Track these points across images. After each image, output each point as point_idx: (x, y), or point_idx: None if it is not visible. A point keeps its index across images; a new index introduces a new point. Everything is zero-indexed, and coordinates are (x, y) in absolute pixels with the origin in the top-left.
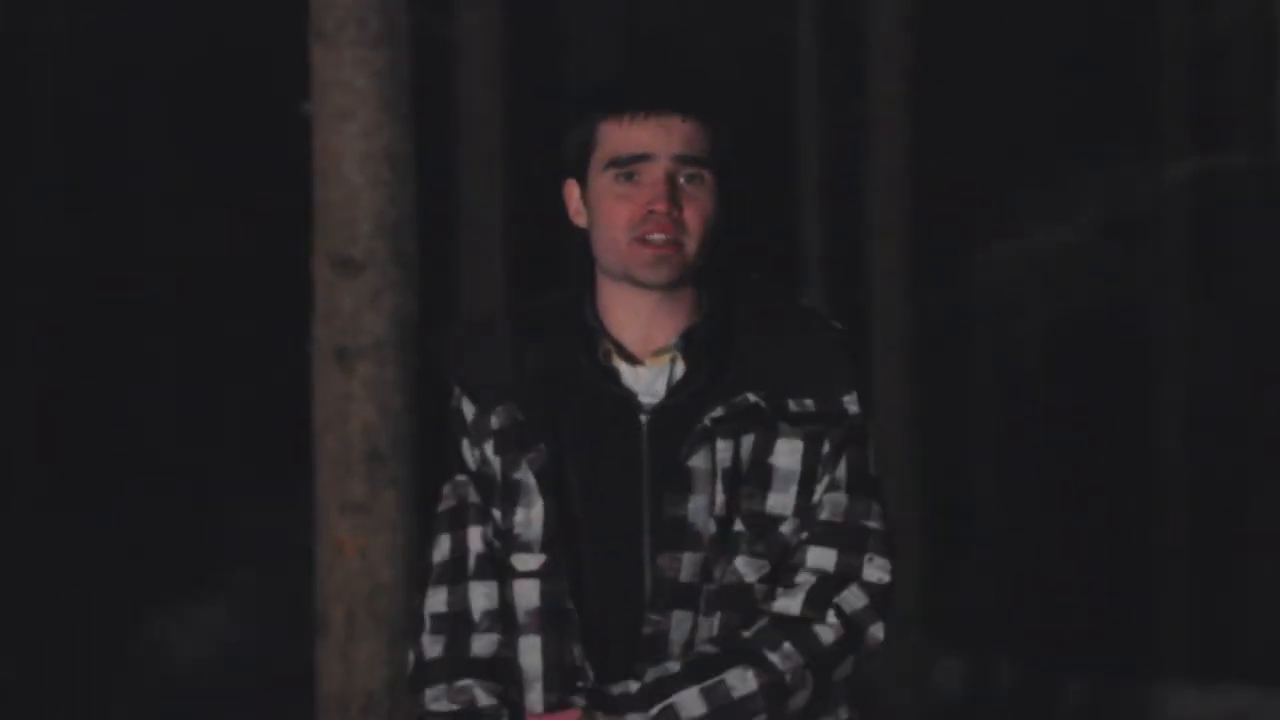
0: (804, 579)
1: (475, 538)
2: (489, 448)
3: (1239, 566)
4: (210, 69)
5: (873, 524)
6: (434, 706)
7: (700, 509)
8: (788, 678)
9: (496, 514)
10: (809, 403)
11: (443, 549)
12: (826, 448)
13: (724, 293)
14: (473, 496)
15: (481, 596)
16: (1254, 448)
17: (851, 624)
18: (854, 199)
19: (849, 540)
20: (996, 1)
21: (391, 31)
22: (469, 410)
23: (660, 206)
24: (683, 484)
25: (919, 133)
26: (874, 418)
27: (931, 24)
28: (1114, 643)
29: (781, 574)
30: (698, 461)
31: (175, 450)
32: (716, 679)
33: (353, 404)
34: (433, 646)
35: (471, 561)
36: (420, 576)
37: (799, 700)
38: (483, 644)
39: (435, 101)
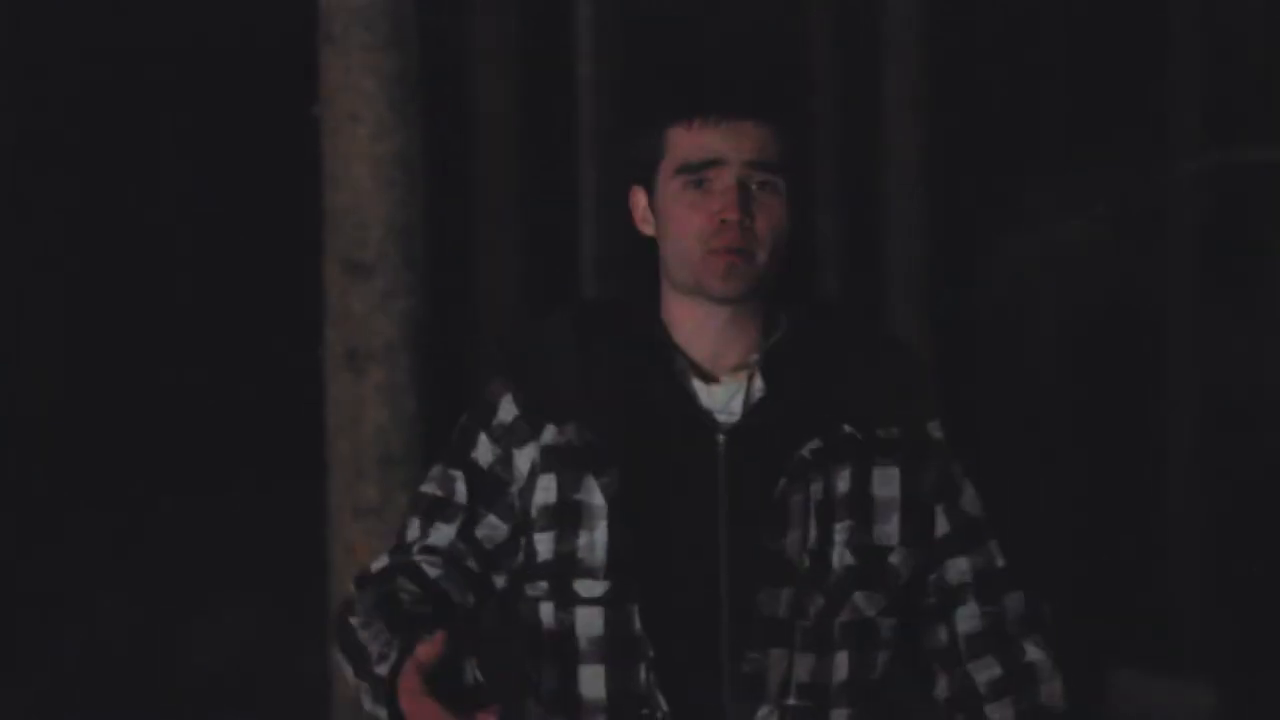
0: (975, 648)
1: (440, 533)
2: (524, 459)
3: (1255, 561)
4: (220, 71)
5: (1000, 563)
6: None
7: (795, 543)
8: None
9: (541, 537)
10: (895, 430)
11: (411, 532)
12: (920, 476)
13: (799, 311)
14: (458, 495)
15: (409, 579)
16: (1272, 442)
17: (1048, 646)
18: (870, 196)
19: (994, 590)
20: None
21: (401, 34)
22: (510, 412)
23: (731, 215)
24: (778, 520)
25: (934, 129)
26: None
27: (945, 19)
28: (1127, 636)
29: (943, 657)
30: (793, 496)
31: (188, 451)
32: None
33: (365, 407)
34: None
35: (418, 548)
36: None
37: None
38: (387, 560)
39: (449, 104)
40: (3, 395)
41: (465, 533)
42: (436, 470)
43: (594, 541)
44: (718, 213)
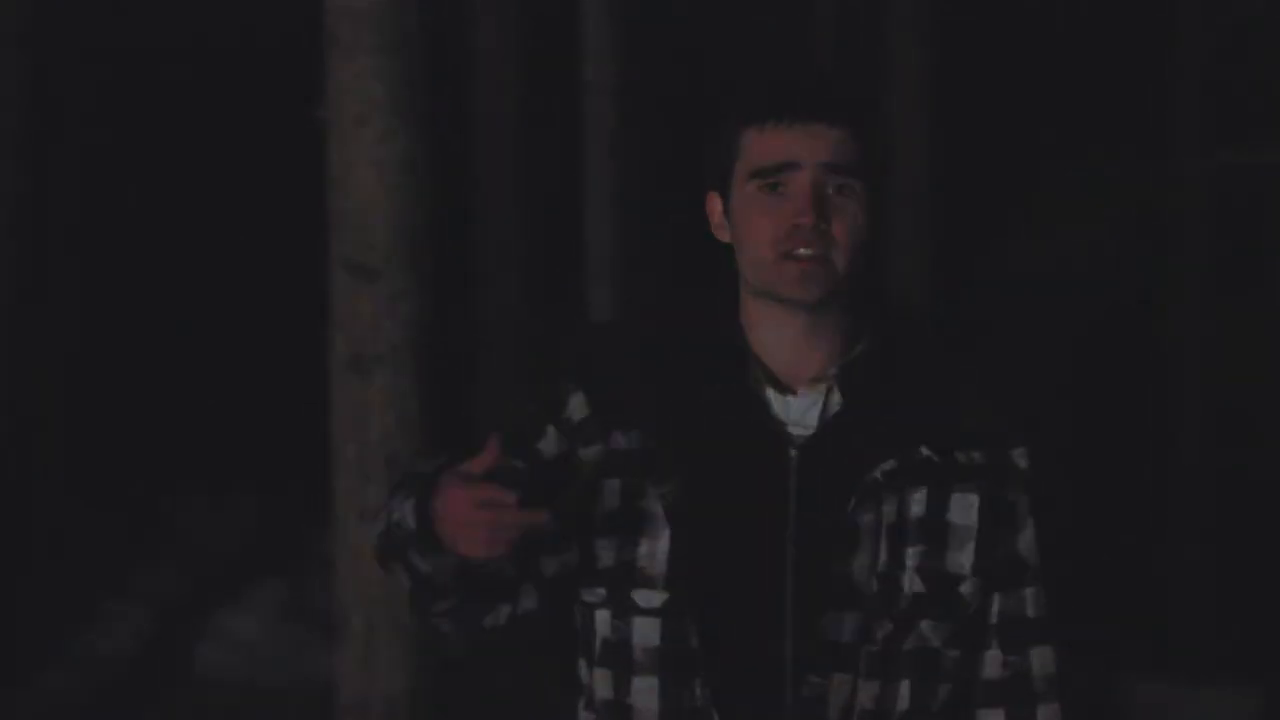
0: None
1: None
2: (588, 458)
3: (1261, 569)
4: (225, 73)
5: (1033, 613)
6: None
7: (864, 567)
8: None
9: (603, 543)
10: (977, 455)
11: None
12: (1001, 506)
13: (881, 322)
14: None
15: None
16: (1276, 447)
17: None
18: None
19: (1021, 640)
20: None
21: (406, 38)
22: (579, 411)
23: (806, 220)
24: (847, 541)
25: (938, 130)
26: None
27: (949, 19)
28: (1130, 644)
29: (970, 689)
30: (864, 517)
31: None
32: None
33: (370, 410)
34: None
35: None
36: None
37: None
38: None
39: (452, 107)
40: (7, 397)
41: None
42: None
43: (655, 551)
44: (792, 217)
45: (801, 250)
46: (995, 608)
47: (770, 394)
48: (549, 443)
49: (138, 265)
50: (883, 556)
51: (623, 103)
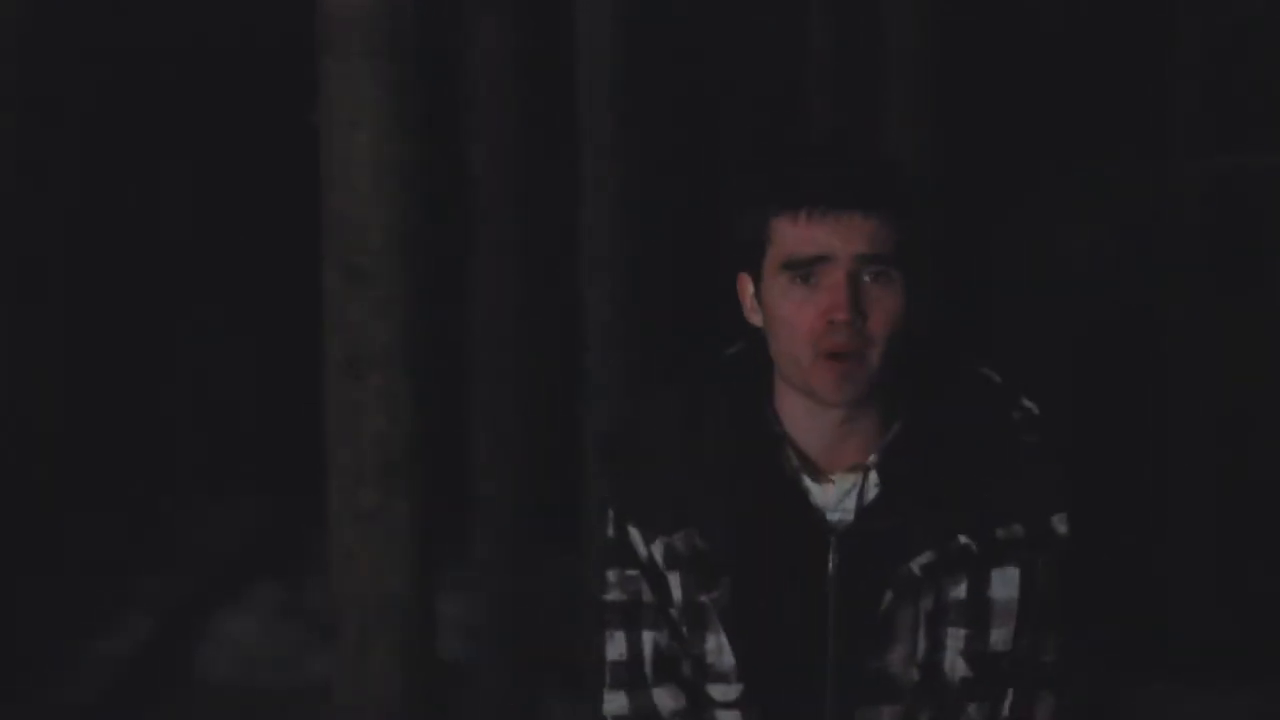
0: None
1: (650, 642)
2: (658, 554)
3: (1257, 566)
4: (219, 76)
5: (1048, 658)
6: None
7: (902, 659)
8: None
9: (681, 631)
10: (1017, 528)
11: (618, 648)
12: (1039, 571)
13: (919, 401)
14: (646, 595)
15: (669, 698)
16: (1273, 448)
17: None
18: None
19: (1028, 678)
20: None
21: (400, 41)
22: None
23: (842, 316)
24: (884, 635)
25: (936, 133)
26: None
27: (947, 20)
28: (1130, 644)
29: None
30: (901, 611)
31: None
32: None
33: (364, 414)
34: None
35: (648, 668)
36: (596, 673)
37: None
38: None
39: (447, 111)
40: (6, 397)
41: (673, 630)
42: (612, 575)
43: (720, 645)
44: (828, 312)
45: (837, 349)
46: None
47: (807, 482)
48: (639, 543)
49: (135, 265)
50: (923, 645)
51: (619, 103)
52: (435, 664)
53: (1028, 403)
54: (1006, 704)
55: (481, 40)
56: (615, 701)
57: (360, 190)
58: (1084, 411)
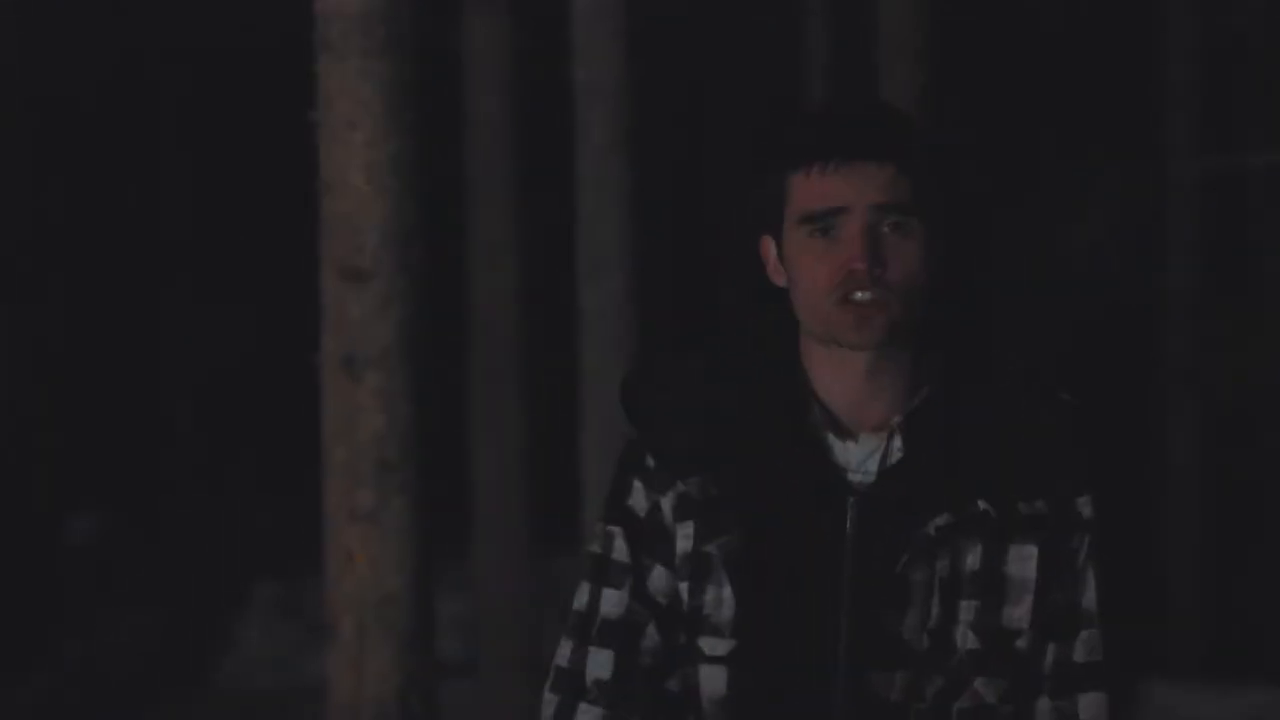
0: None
1: (609, 599)
2: (668, 505)
3: (1255, 566)
4: (217, 76)
5: (1082, 658)
6: None
7: (915, 624)
8: None
9: (682, 587)
10: (1040, 504)
11: (580, 599)
12: (1062, 556)
13: (947, 362)
14: (617, 552)
15: (597, 665)
16: (1270, 447)
17: None
18: None
19: (1073, 686)
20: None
21: (397, 41)
22: (652, 460)
23: (860, 265)
24: (898, 597)
25: (933, 128)
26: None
27: (945, 20)
28: (1131, 643)
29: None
30: (916, 573)
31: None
32: None
33: (361, 413)
34: (547, 706)
35: (596, 623)
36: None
37: None
38: (587, 716)
39: (444, 110)
40: (5, 398)
41: (638, 591)
42: (597, 527)
43: (720, 598)
44: (846, 262)
45: (857, 295)
46: (1049, 657)
47: (831, 439)
48: (637, 497)
49: (132, 265)
50: (935, 612)
51: (616, 103)
52: (434, 664)
53: (1063, 393)
54: (1048, 709)
55: (476, 39)
56: (563, 649)
57: (358, 190)
58: (1089, 408)
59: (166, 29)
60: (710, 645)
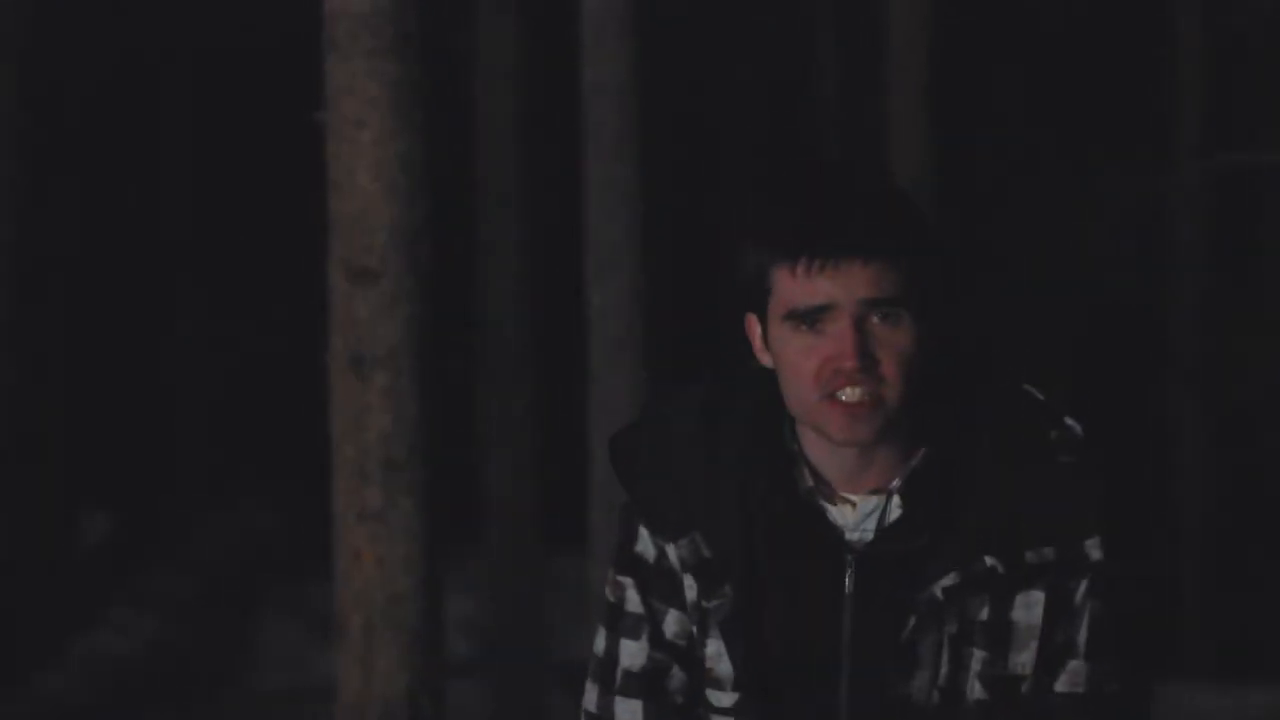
0: None
1: (628, 650)
2: (673, 554)
3: (1261, 565)
4: (224, 76)
5: (1114, 687)
6: None
7: (924, 684)
8: None
9: (669, 645)
10: (1048, 552)
11: (599, 645)
12: (1067, 600)
13: (946, 415)
14: (630, 604)
15: (626, 714)
16: (1275, 446)
17: None
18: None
19: (1094, 712)
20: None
21: (405, 41)
22: (669, 549)
23: (849, 364)
24: (905, 661)
25: (938, 131)
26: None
27: (949, 20)
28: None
29: None
30: (925, 636)
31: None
32: None
33: (369, 413)
34: None
35: (618, 675)
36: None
37: None
38: None
39: (453, 110)
40: (10, 399)
41: (656, 639)
42: (610, 574)
43: (720, 652)
44: (835, 361)
45: (845, 393)
46: (1062, 685)
47: (824, 504)
48: (644, 544)
49: (139, 267)
50: (944, 671)
51: (624, 103)
52: (442, 664)
53: (1070, 421)
54: None
55: (483, 40)
56: (590, 694)
57: (365, 189)
58: (1083, 409)
59: (170, 28)
60: (716, 698)
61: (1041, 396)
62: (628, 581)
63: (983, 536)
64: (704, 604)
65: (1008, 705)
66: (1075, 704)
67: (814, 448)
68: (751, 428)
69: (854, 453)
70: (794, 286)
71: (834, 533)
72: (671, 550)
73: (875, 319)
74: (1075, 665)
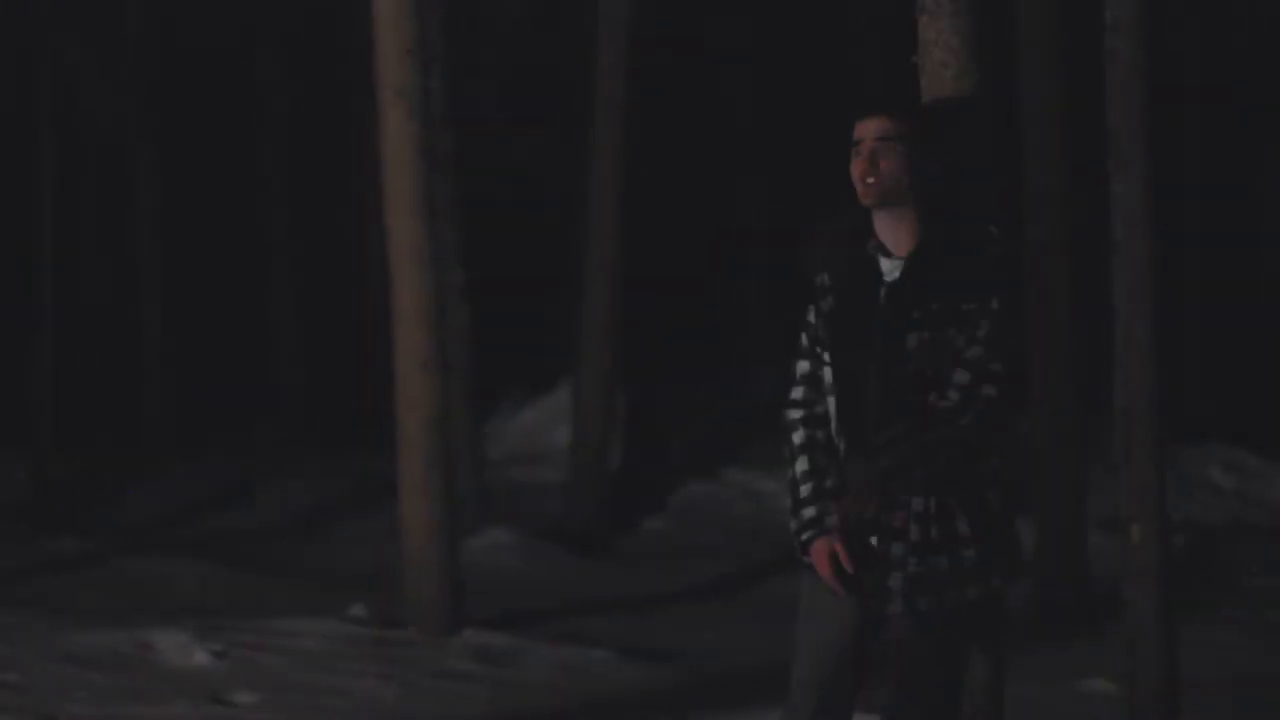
0: (959, 378)
1: (804, 364)
2: (820, 282)
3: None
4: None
5: (996, 367)
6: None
7: (915, 345)
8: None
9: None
10: (973, 306)
11: (802, 342)
12: (976, 324)
13: (939, 226)
14: (804, 341)
15: (807, 365)
16: None
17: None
18: None
19: (977, 368)
20: None
21: (974, 4)
22: (819, 280)
23: (861, 165)
24: (903, 346)
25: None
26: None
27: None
28: None
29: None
30: (912, 334)
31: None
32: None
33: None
34: (795, 389)
35: (801, 371)
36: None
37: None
38: (795, 411)
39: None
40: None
41: (814, 360)
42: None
43: (822, 329)
44: (859, 165)
45: (865, 180)
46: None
47: (880, 257)
48: (813, 313)
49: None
50: (927, 344)
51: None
52: None
53: (994, 229)
54: (968, 377)
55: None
56: (795, 391)
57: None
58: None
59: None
60: (829, 358)
61: (989, 225)
62: (811, 309)
63: (943, 289)
64: (821, 306)
65: (944, 378)
66: (975, 362)
67: (878, 223)
68: (857, 226)
69: (889, 226)
70: (854, 129)
71: (880, 274)
72: (821, 279)
73: (880, 146)
74: (975, 351)
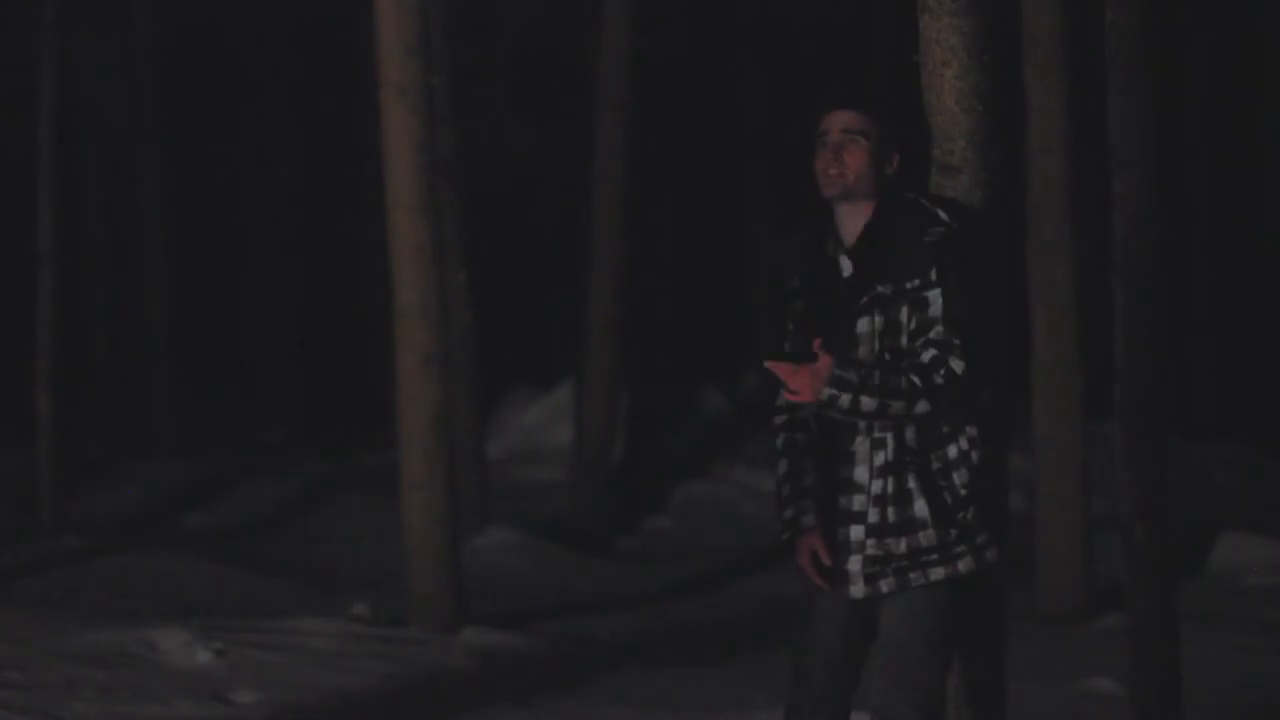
0: (923, 356)
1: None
2: (794, 306)
3: None
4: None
5: (956, 340)
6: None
7: (865, 329)
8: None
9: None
10: (916, 283)
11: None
12: (924, 302)
13: (885, 209)
14: (786, 346)
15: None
16: None
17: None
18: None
19: (939, 344)
20: None
21: (975, 4)
22: (790, 284)
23: (829, 157)
24: (858, 328)
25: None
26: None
27: None
28: None
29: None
30: (863, 318)
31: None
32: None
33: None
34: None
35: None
36: None
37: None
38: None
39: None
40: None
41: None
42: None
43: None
44: (825, 158)
45: (829, 172)
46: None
47: (839, 257)
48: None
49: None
50: (879, 327)
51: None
52: None
53: (942, 215)
54: (932, 353)
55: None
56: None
57: (950, 109)
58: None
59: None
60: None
61: (928, 203)
62: (785, 312)
63: (889, 273)
64: (793, 309)
65: (892, 350)
66: (939, 341)
67: (837, 218)
68: (820, 224)
69: (844, 217)
70: (820, 121)
71: (837, 267)
72: (791, 283)
73: (845, 140)
74: (939, 331)
